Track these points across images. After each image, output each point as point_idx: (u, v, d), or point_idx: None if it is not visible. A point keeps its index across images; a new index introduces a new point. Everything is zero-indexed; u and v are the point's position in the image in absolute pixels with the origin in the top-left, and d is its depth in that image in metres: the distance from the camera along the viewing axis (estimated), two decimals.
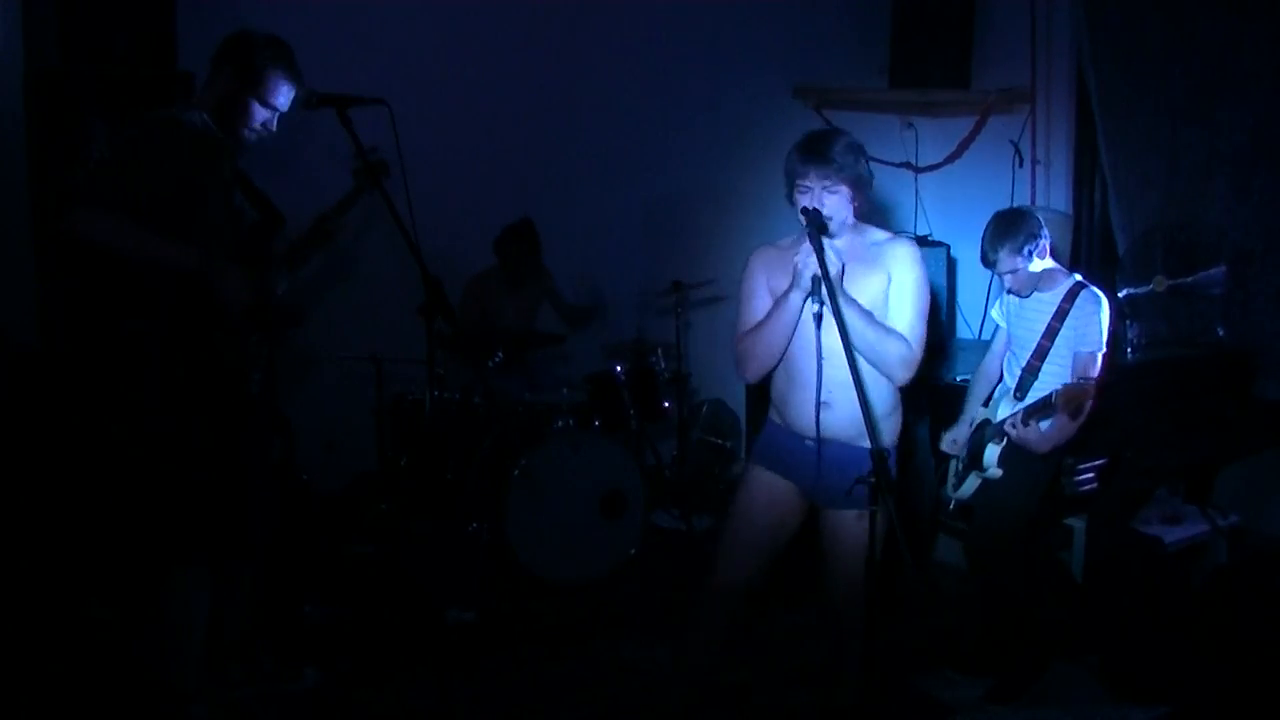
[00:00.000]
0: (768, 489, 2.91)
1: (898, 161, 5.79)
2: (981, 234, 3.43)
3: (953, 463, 3.68)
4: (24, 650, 3.40)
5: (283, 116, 2.91)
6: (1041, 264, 3.40)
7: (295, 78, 2.86)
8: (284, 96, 2.86)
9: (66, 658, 3.40)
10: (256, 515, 3.04)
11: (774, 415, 2.94)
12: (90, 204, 2.63)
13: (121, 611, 3.62)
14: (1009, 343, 3.60)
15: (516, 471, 4.22)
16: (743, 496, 2.94)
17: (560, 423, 4.54)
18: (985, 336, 5.06)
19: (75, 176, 3.97)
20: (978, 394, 3.68)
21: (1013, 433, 3.35)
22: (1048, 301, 3.42)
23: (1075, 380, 3.19)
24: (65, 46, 4.18)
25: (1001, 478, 3.42)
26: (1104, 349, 3.35)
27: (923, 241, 5.57)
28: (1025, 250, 3.34)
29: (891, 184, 5.79)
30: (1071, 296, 3.37)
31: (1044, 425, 3.31)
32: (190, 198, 2.77)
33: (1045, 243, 3.39)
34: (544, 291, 5.14)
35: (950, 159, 5.70)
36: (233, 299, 2.78)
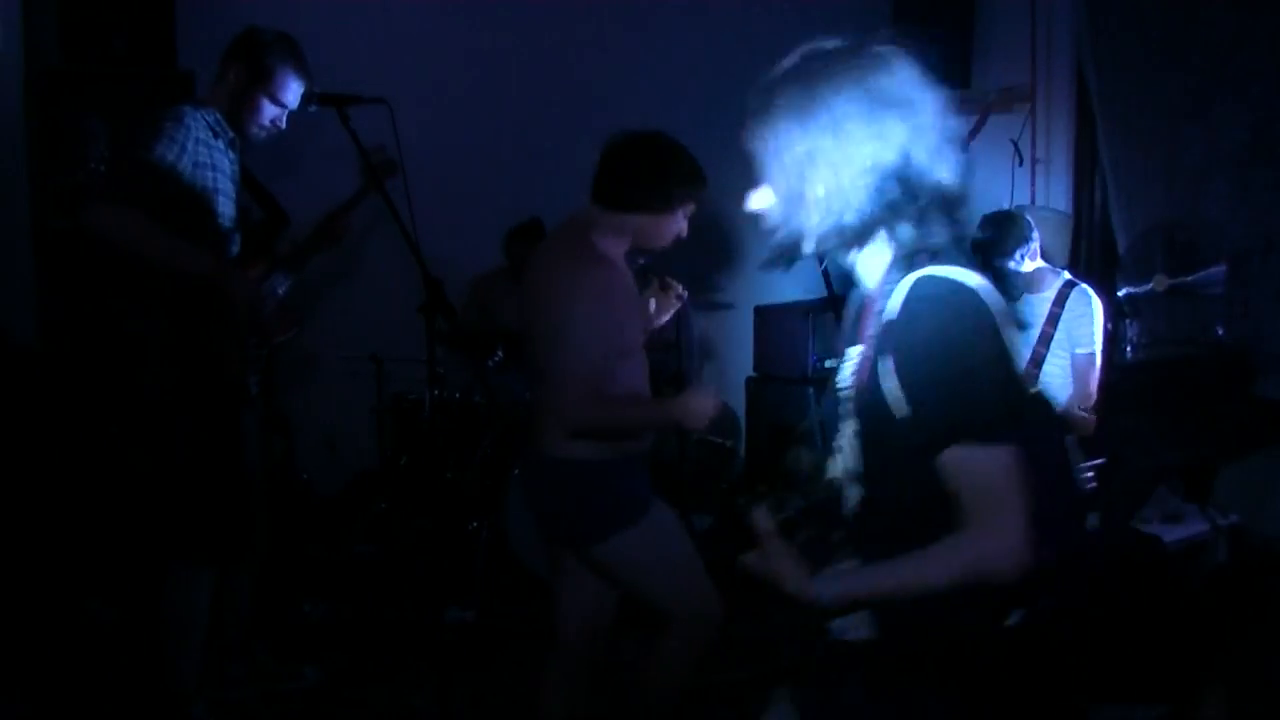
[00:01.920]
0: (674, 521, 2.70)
1: None
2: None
3: None
4: (24, 650, 3.40)
5: (291, 114, 2.92)
6: (1031, 264, 3.39)
7: (304, 75, 2.87)
8: (293, 93, 2.86)
9: (66, 658, 3.40)
10: (254, 516, 3.04)
11: (604, 452, 2.51)
12: (119, 202, 2.61)
13: (121, 611, 3.62)
14: None
15: (516, 471, 4.22)
16: (675, 540, 2.70)
17: None
18: None
19: (93, 173, 3.97)
20: None
21: None
22: (1037, 305, 3.41)
23: (1079, 408, 3.16)
24: (65, 46, 4.19)
25: None
26: (1101, 349, 3.35)
27: None
28: (1016, 254, 3.33)
29: None
30: (1061, 299, 3.37)
31: None
32: (201, 196, 2.78)
33: (1035, 245, 3.37)
34: None
35: None
36: (241, 304, 2.79)
